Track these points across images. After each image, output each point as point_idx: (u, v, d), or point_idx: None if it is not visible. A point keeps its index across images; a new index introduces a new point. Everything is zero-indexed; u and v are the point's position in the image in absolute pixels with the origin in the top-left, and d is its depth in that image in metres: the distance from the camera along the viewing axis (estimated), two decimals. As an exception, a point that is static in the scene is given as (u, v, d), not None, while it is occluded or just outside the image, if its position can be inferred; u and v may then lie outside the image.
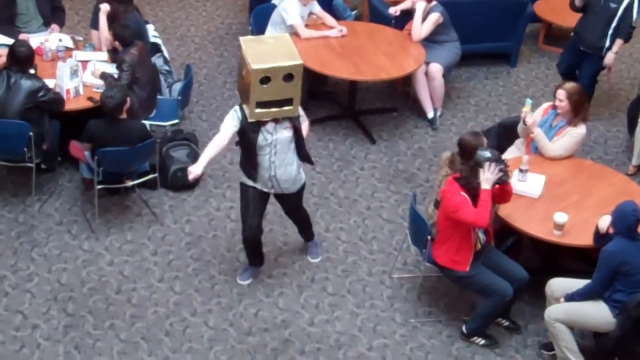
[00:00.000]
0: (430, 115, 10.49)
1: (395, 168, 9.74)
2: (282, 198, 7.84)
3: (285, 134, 7.33)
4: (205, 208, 8.94)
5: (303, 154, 7.61)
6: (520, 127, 8.56)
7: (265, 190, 7.60)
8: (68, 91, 8.77)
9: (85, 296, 7.88)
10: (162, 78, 9.87)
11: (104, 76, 8.96)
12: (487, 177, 7.07)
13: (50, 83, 8.68)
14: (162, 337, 7.55)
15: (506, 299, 7.36)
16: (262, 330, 7.66)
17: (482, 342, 7.64)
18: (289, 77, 7.04)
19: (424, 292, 8.14)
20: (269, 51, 7.07)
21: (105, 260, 8.27)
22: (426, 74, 10.31)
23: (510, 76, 11.66)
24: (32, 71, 8.64)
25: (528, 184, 7.98)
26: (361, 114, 10.56)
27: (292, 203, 7.95)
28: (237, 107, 7.34)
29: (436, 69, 10.26)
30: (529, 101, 8.45)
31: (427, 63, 10.24)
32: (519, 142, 8.73)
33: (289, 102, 7.14)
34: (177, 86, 9.78)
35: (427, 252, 7.58)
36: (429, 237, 7.52)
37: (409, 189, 9.32)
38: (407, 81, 10.73)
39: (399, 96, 11.03)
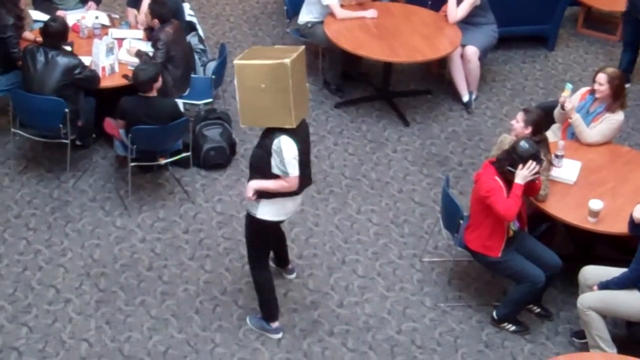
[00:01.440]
0: (465, 98, 10.44)
1: (428, 151, 9.70)
2: None
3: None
4: (237, 187, 8.95)
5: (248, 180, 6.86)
6: (557, 112, 8.49)
7: None
8: (104, 68, 8.80)
9: (117, 272, 7.93)
10: (196, 57, 9.88)
11: (139, 54, 8.99)
12: (523, 174, 7.04)
13: (86, 60, 8.72)
14: (192, 314, 7.59)
15: (538, 286, 7.32)
16: (292, 310, 7.67)
17: (513, 328, 7.61)
18: None
19: (454, 277, 8.12)
20: (266, 52, 6.65)
21: (138, 237, 8.31)
22: (462, 56, 10.25)
23: (548, 60, 11.57)
24: (68, 48, 8.69)
25: (564, 169, 7.91)
26: (395, 95, 10.52)
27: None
28: None
29: (472, 51, 10.20)
30: (569, 86, 8.34)
31: (463, 45, 10.18)
32: (555, 127, 8.66)
33: None
34: (212, 65, 9.79)
35: (458, 236, 7.56)
36: (460, 222, 7.49)
37: (442, 173, 9.29)
38: (443, 63, 10.69)
39: (433, 78, 10.98)
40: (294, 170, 6.59)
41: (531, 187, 7.25)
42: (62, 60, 8.40)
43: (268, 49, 6.72)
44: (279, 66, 6.34)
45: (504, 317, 7.59)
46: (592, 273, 7.27)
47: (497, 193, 7.01)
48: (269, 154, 6.55)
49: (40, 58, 8.42)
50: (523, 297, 7.43)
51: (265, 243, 7.17)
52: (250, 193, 6.74)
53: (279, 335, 7.42)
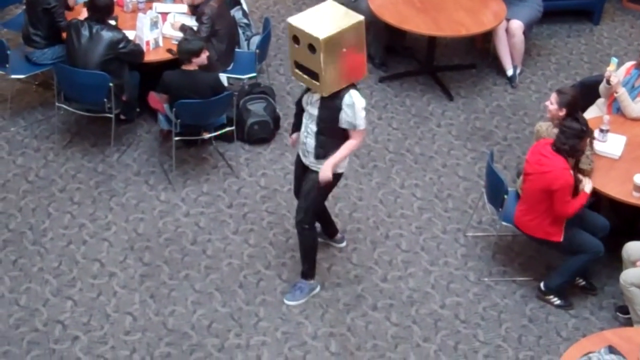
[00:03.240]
0: (510, 72, 10.36)
1: (472, 125, 9.65)
2: (307, 174, 7.18)
3: (315, 112, 6.89)
4: (281, 162, 8.96)
5: (320, 141, 6.96)
6: (602, 87, 8.40)
7: (302, 158, 7.20)
8: (148, 43, 8.82)
9: (161, 246, 7.97)
10: (240, 31, 9.88)
11: (183, 28, 8.99)
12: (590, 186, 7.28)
13: (130, 34, 8.75)
14: (235, 288, 7.62)
15: (599, 255, 7.34)
16: (335, 285, 7.68)
17: (558, 302, 7.57)
18: (311, 48, 6.55)
19: (498, 251, 8.09)
20: (321, 17, 6.71)
21: (182, 211, 8.35)
22: (507, 30, 10.17)
23: (593, 34, 11.45)
24: (112, 22, 8.71)
25: (608, 144, 7.86)
26: (439, 70, 10.47)
27: (308, 185, 7.14)
28: None
29: (517, 25, 10.12)
30: (614, 60, 8.26)
31: (508, 19, 10.10)
32: (600, 102, 8.59)
33: (315, 76, 6.66)
34: (256, 39, 9.79)
35: (503, 211, 7.52)
36: (505, 196, 7.46)
37: (486, 147, 9.24)
38: (487, 38, 10.61)
39: (478, 53, 10.91)
40: (362, 123, 6.86)
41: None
42: (107, 35, 8.42)
43: (313, 13, 6.72)
44: (358, 24, 6.67)
45: (555, 287, 7.53)
46: (635, 249, 7.23)
47: (569, 192, 7.09)
48: (338, 111, 6.77)
49: (85, 32, 8.45)
50: (582, 266, 7.44)
51: (327, 196, 7.37)
52: (329, 174, 6.93)
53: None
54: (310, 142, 6.98)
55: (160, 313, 7.36)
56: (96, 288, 7.55)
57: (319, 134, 6.91)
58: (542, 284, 7.60)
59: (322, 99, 6.78)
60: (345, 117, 6.79)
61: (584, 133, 7.04)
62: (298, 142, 7.23)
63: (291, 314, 7.40)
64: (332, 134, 6.90)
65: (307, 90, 6.99)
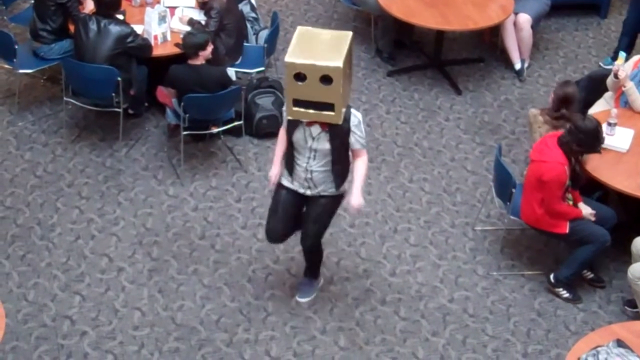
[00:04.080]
0: (518, 66, 10.34)
1: (480, 119, 9.64)
2: (313, 200, 6.97)
3: (327, 145, 6.65)
4: (289, 156, 8.96)
5: (336, 171, 6.82)
6: (610, 80, 8.40)
7: (301, 191, 6.92)
8: (156, 37, 8.81)
9: (169, 241, 7.98)
10: (248, 25, 9.88)
11: (191, 23, 8.99)
12: (589, 212, 7.30)
13: (138, 29, 8.75)
14: (244, 283, 7.62)
15: (606, 244, 7.33)
16: (344, 279, 7.69)
17: (566, 294, 7.56)
18: (326, 79, 6.29)
19: (506, 245, 8.09)
20: (315, 47, 6.45)
21: (190, 205, 8.35)
22: (514, 24, 10.16)
23: (601, 28, 11.43)
24: (120, 17, 8.71)
25: (616, 137, 7.85)
26: (447, 64, 10.45)
27: (317, 210, 6.97)
28: None
29: (525, 19, 10.10)
30: (622, 54, 8.28)
31: (516, 13, 10.08)
32: (607, 96, 8.58)
33: (329, 107, 6.41)
34: (264, 33, 9.79)
35: (511, 205, 7.52)
36: (513, 190, 7.45)
37: (494, 141, 9.23)
38: (495, 31, 10.59)
39: (486, 46, 10.89)
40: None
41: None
42: (115, 29, 8.43)
43: (304, 45, 6.45)
44: (352, 41, 6.53)
45: (565, 279, 7.52)
46: (645, 243, 7.23)
47: (559, 187, 7.08)
48: (348, 135, 6.66)
49: (93, 27, 8.45)
50: (590, 257, 7.42)
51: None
52: (361, 199, 6.83)
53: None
54: (322, 176, 6.79)
55: (169, 308, 7.37)
56: (104, 283, 7.57)
57: (334, 164, 6.77)
58: (551, 276, 7.59)
59: (332, 129, 6.59)
60: (355, 139, 6.70)
61: (588, 139, 7.03)
62: (299, 179, 6.89)
63: (300, 309, 7.41)
64: (345, 159, 6.81)
65: (293, 125, 6.68)
